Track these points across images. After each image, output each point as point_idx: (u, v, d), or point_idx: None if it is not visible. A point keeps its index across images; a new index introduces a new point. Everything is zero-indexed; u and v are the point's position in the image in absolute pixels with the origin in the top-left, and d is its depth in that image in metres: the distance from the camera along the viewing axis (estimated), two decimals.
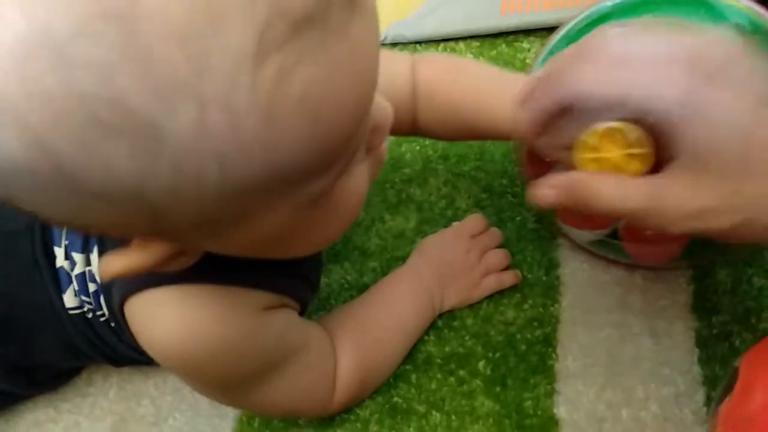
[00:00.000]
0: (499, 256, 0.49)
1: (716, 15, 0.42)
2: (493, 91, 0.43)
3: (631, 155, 0.31)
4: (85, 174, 0.22)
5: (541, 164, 0.36)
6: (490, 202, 0.54)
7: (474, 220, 0.50)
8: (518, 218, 0.52)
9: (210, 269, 0.34)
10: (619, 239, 0.45)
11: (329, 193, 0.28)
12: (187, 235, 0.27)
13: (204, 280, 0.35)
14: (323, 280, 0.50)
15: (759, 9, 0.42)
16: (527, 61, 0.61)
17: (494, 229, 0.50)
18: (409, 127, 0.46)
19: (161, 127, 0.21)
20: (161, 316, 0.35)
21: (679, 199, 0.29)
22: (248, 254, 0.31)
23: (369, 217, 0.55)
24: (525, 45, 0.62)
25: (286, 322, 0.40)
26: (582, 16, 0.47)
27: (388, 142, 0.34)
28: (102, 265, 0.29)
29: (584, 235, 0.47)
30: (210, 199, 0.24)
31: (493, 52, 0.62)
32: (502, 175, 0.55)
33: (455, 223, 0.52)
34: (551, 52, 0.50)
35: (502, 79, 0.45)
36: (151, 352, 0.37)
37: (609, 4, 0.46)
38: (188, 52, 0.21)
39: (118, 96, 0.21)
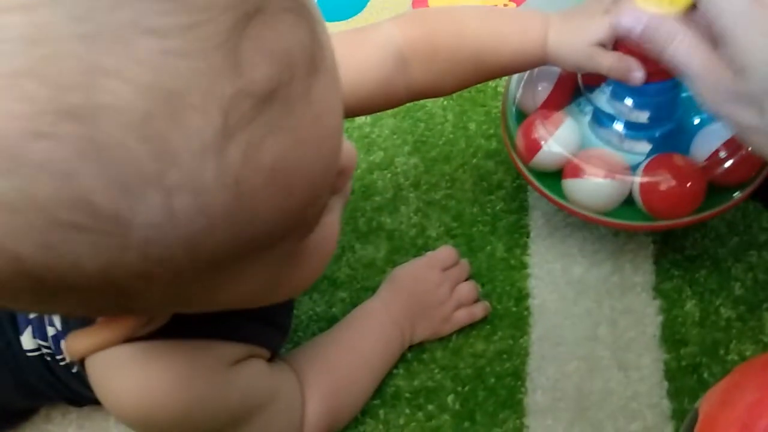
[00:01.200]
0: (469, 289, 0.48)
1: None
2: (494, 30, 0.43)
3: None
4: (48, 273, 0.21)
5: (532, 141, 0.43)
6: (460, 230, 0.54)
7: (445, 252, 0.50)
8: (488, 248, 0.52)
9: (176, 324, 0.32)
10: (639, 195, 0.44)
11: (306, 241, 0.28)
12: (159, 308, 0.27)
13: (169, 336, 0.33)
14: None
15: None
16: (499, 89, 0.62)
17: (464, 261, 0.50)
18: (401, 93, 0.45)
19: (127, 220, 0.21)
20: (122, 376, 0.34)
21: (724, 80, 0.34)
22: (225, 309, 0.30)
23: (339, 246, 0.54)
24: None
25: (255, 374, 0.39)
26: None
27: (351, 183, 0.34)
28: (68, 344, 0.28)
29: (601, 193, 0.45)
30: (181, 277, 0.23)
31: None
32: (473, 203, 0.55)
33: (428, 253, 0.51)
34: (519, 80, 0.51)
35: (499, 15, 0.46)
36: (109, 409, 0.36)
37: None
38: (150, 143, 0.20)
39: (79, 195, 0.20)
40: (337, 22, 0.73)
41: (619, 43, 0.41)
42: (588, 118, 0.47)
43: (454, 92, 0.50)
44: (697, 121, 0.46)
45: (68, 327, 0.37)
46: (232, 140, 0.21)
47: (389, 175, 0.59)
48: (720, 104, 0.35)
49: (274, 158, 0.22)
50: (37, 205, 0.20)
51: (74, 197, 0.20)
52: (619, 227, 0.47)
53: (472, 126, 0.60)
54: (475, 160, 0.58)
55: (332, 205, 0.30)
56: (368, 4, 0.75)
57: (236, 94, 0.21)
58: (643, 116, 0.45)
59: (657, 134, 0.45)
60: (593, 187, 0.44)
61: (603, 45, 0.41)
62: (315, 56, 0.24)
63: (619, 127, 0.45)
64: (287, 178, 0.23)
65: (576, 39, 0.41)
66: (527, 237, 0.52)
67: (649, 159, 0.44)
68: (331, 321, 0.49)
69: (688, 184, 0.43)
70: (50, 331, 0.39)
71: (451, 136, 0.60)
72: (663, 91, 0.44)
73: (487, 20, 0.44)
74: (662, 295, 0.47)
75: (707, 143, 0.44)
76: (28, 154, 0.20)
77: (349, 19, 0.73)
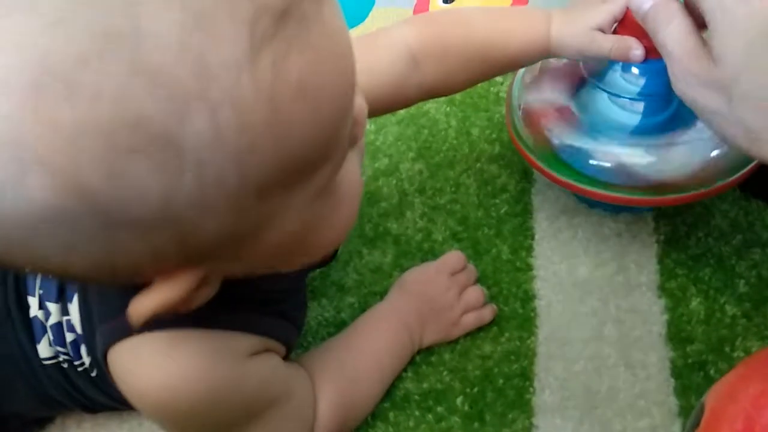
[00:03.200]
0: (477, 293, 0.49)
1: None
2: (500, 26, 0.46)
3: None
4: (117, 203, 0.22)
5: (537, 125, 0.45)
6: (466, 234, 0.54)
7: (453, 257, 0.50)
8: (494, 250, 0.53)
9: (196, 314, 0.33)
10: None
11: (333, 183, 0.30)
12: (214, 254, 0.27)
13: (190, 325, 0.35)
14: None
15: None
16: (501, 94, 0.62)
17: (470, 266, 0.51)
18: (414, 93, 0.47)
19: (179, 137, 0.22)
20: (146, 364, 0.35)
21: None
22: (270, 266, 0.32)
23: (346, 252, 0.55)
24: (498, 79, 0.63)
25: (270, 368, 0.39)
26: None
27: (364, 137, 0.35)
28: (132, 309, 0.28)
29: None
30: (234, 203, 0.25)
31: None
32: (478, 207, 0.56)
33: (440, 259, 0.51)
34: (520, 85, 0.52)
35: (504, 12, 0.49)
36: (132, 400, 0.36)
37: None
38: (189, 61, 0.22)
39: (133, 118, 0.22)
40: None
41: (617, 28, 0.44)
42: (593, 104, 0.47)
43: (464, 89, 0.51)
44: None
45: (92, 328, 0.37)
46: (260, 54, 0.23)
47: (394, 181, 0.59)
48: (691, 87, 0.37)
49: (300, 72, 0.24)
50: (96, 131, 0.21)
51: (128, 120, 0.22)
52: (621, 202, 0.46)
53: (475, 131, 0.61)
54: (478, 165, 0.59)
55: (351, 159, 0.32)
56: (371, 13, 0.76)
57: (257, 11, 0.23)
58: (651, 95, 0.46)
59: (663, 113, 0.46)
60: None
61: (602, 30, 0.43)
62: None
63: (625, 107, 0.46)
64: (314, 92, 0.25)
65: (577, 26, 0.44)
66: (532, 239, 0.53)
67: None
68: (340, 326, 0.50)
69: None
70: (69, 337, 0.39)
71: (455, 141, 0.61)
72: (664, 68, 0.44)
73: (493, 18, 0.47)
74: (667, 294, 0.47)
75: None
76: (82, 81, 0.21)
77: (352, 29, 0.75)
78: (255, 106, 0.23)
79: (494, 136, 0.60)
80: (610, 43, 0.43)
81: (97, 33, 0.21)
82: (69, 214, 0.22)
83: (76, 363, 0.40)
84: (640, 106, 0.46)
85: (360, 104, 0.32)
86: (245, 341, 0.37)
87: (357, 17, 0.76)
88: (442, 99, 0.63)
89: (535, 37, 0.44)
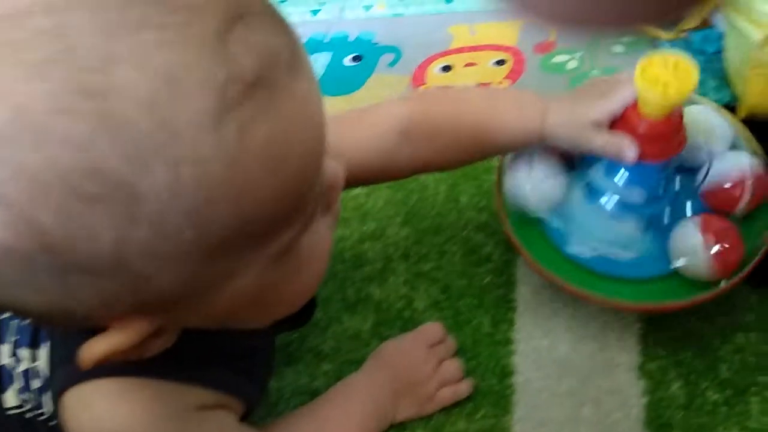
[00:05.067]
0: (454, 367, 0.48)
1: None
2: (493, 112, 0.46)
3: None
4: (69, 245, 0.24)
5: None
6: (448, 303, 0.54)
7: (432, 329, 0.50)
8: (474, 321, 0.52)
9: (151, 362, 0.33)
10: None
11: (296, 247, 0.30)
12: (168, 306, 0.28)
13: (143, 374, 0.35)
14: (273, 384, 0.50)
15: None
16: (491, 162, 0.63)
17: (450, 338, 0.50)
18: (405, 168, 0.48)
19: (138, 189, 0.23)
20: (94, 409, 0.36)
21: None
22: (227, 323, 0.32)
23: (327, 317, 0.55)
24: None
25: (219, 425, 0.39)
26: None
27: (340, 205, 0.36)
28: (84, 351, 0.29)
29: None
30: (188, 259, 0.25)
31: None
32: (461, 276, 0.56)
33: (419, 330, 0.51)
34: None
35: (497, 97, 0.49)
36: None
37: None
38: (157, 118, 0.23)
39: (94, 166, 0.23)
40: (337, 97, 0.76)
41: (614, 123, 0.43)
42: (579, 191, 0.47)
43: (456, 167, 0.53)
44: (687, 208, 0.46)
45: (53, 378, 0.37)
46: (226, 118, 0.24)
47: (380, 246, 0.59)
48: None
49: (265, 138, 0.25)
50: (58, 175, 0.23)
51: (90, 167, 0.23)
52: (607, 305, 0.47)
53: (464, 199, 0.61)
54: (465, 233, 0.59)
55: (322, 224, 0.32)
56: (368, 80, 0.78)
57: (227, 79, 0.25)
58: (635, 195, 0.45)
59: (646, 214, 0.46)
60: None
61: (598, 124, 0.43)
62: (294, 58, 0.27)
63: (609, 202, 0.46)
64: (277, 158, 0.26)
65: (572, 119, 0.43)
66: (514, 312, 0.52)
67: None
68: (314, 394, 0.49)
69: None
70: (34, 384, 0.39)
71: (443, 208, 0.61)
72: (654, 172, 0.44)
73: (487, 102, 0.47)
74: (647, 376, 0.46)
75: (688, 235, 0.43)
76: (52, 128, 0.23)
77: (350, 94, 0.76)
78: (216, 166, 0.24)
79: (482, 204, 0.60)
80: (603, 140, 0.42)
81: (73, 88, 0.23)
82: (22, 252, 0.24)
83: (38, 412, 0.40)
84: (623, 198, 0.46)
85: (335, 170, 0.33)
86: (197, 394, 0.37)
87: (354, 84, 0.77)
88: None
89: (528, 125, 0.44)
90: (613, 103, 0.42)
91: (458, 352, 0.50)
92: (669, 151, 0.43)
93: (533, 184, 0.46)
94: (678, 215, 0.45)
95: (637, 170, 0.43)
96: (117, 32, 0.24)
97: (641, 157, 0.42)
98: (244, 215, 0.26)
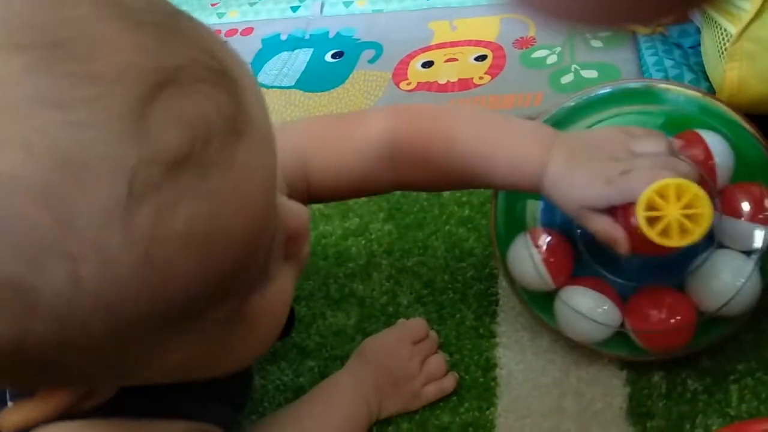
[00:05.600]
0: (439, 363, 0.48)
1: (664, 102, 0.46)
2: (487, 153, 0.41)
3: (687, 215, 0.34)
4: None
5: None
6: (431, 298, 0.54)
7: (417, 325, 0.50)
8: (458, 315, 0.52)
9: (122, 400, 0.32)
10: (631, 330, 0.43)
11: (244, 310, 0.28)
12: (94, 379, 0.27)
13: (114, 414, 0.32)
14: (257, 381, 0.49)
15: (707, 95, 0.46)
16: None
17: (433, 333, 0.50)
18: (383, 187, 0.46)
19: (31, 289, 0.21)
20: None
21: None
22: (171, 380, 0.30)
23: (310, 314, 0.55)
24: None
25: None
26: (548, 115, 0.48)
27: (308, 245, 0.34)
28: (3, 419, 0.27)
29: (593, 335, 0.45)
30: (103, 346, 0.23)
31: None
32: (444, 270, 0.56)
33: (399, 322, 0.51)
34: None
35: (494, 133, 0.43)
36: None
37: (571, 104, 0.48)
38: (51, 211, 0.21)
39: None
40: (318, 93, 0.76)
41: (619, 214, 0.38)
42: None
43: (442, 191, 0.52)
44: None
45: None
46: (139, 207, 0.21)
47: (363, 242, 0.59)
48: None
49: (188, 224, 0.22)
50: None
51: None
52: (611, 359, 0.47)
53: (446, 194, 0.61)
54: (447, 227, 0.59)
55: (280, 272, 0.30)
56: (350, 76, 0.78)
57: (142, 162, 0.21)
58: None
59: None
60: (583, 322, 0.44)
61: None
62: (237, 122, 0.24)
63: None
64: (204, 244, 0.23)
65: (570, 195, 0.39)
66: (496, 305, 0.52)
67: (640, 290, 0.44)
68: (298, 391, 0.49)
69: (679, 322, 0.42)
70: None
71: (426, 203, 0.61)
72: (646, 267, 0.43)
73: (485, 135, 0.42)
74: (629, 366, 0.47)
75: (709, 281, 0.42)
76: None
77: (331, 91, 0.76)
78: (125, 258, 0.22)
79: (464, 199, 0.60)
80: (597, 227, 0.39)
81: None
82: None
83: None
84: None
85: (298, 216, 0.30)
86: (169, 427, 0.35)
87: (335, 80, 0.77)
88: None
89: (523, 178, 0.40)
90: (614, 195, 0.37)
91: (442, 346, 0.50)
92: (669, 251, 0.38)
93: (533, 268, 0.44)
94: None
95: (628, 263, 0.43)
96: (13, 111, 0.21)
97: (639, 251, 0.38)
98: (164, 303, 0.23)
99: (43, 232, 0.21)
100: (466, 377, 0.48)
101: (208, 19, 0.95)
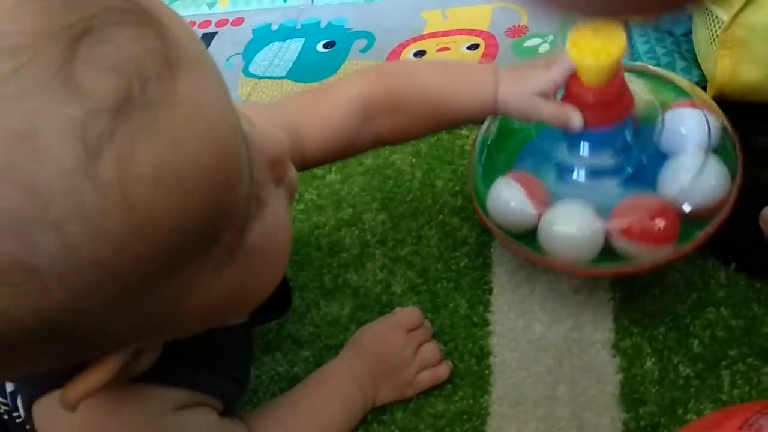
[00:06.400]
0: (433, 351, 0.48)
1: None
2: (449, 82, 0.47)
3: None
4: None
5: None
6: (425, 287, 0.54)
7: (410, 314, 0.50)
8: (451, 304, 0.52)
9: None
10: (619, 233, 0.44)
11: (246, 239, 0.29)
12: (130, 338, 0.27)
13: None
14: (252, 372, 0.49)
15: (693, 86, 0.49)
16: (465, 147, 0.63)
17: (426, 322, 0.50)
18: (367, 141, 0.48)
19: (32, 264, 0.22)
20: (64, 418, 0.33)
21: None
22: (207, 325, 0.31)
23: (304, 304, 0.55)
24: (464, 132, 0.64)
25: (201, 423, 0.39)
26: None
27: (294, 171, 0.35)
28: (66, 394, 0.28)
29: (584, 249, 0.45)
30: (122, 302, 0.24)
31: (434, 139, 0.64)
32: (438, 259, 0.56)
33: (393, 311, 0.51)
34: (484, 140, 0.52)
35: (454, 69, 0.49)
36: None
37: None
38: (22, 185, 0.21)
39: None
40: (311, 83, 0.76)
41: (563, 97, 0.45)
42: (552, 173, 0.48)
43: (418, 138, 0.54)
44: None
45: (22, 385, 0.37)
46: (99, 159, 0.22)
47: (357, 232, 0.59)
48: None
49: (154, 164, 0.23)
50: None
51: None
52: (588, 275, 0.48)
53: (439, 183, 0.61)
54: (441, 217, 0.59)
55: (273, 197, 0.31)
56: (342, 66, 0.77)
57: (86, 116, 0.22)
58: (602, 159, 0.46)
59: (620, 177, 0.46)
60: (569, 240, 0.45)
61: (545, 95, 0.45)
62: (170, 58, 0.24)
63: (581, 176, 0.47)
64: (177, 180, 0.23)
65: (520, 89, 0.45)
66: (490, 294, 0.53)
67: (619, 202, 0.45)
68: (293, 381, 0.49)
69: (662, 222, 0.44)
70: (9, 387, 0.39)
71: (419, 192, 0.61)
72: (609, 136, 0.46)
73: (443, 74, 0.48)
74: (621, 353, 0.47)
75: (673, 178, 0.45)
76: None
77: (323, 81, 0.75)
78: (105, 211, 0.22)
79: (457, 188, 0.60)
80: (548, 110, 0.44)
81: None
82: None
83: (14, 415, 0.39)
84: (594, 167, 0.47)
85: (277, 141, 0.31)
86: (174, 394, 0.36)
87: (327, 70, 0.77)
88: (408, 150, 0.64)
89: (481, 95, 0.46)
90: (554, 72, 0.44)
91: (436, 335, 0.50)
92: (618, 114, 0.45)
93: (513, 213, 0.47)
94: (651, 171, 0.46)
95: (595, 138, 0.45)
96: None
97: (593, 123, 0.44)
98: (162, 245, 0.24)
99: (21, 208, 0.21)
100: (460, 365, 0.49)
101: (199, 9, 0.94)
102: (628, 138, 0.46)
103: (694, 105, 0.48)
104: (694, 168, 0.44)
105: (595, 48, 0.42)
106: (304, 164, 0.46)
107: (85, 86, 0.22)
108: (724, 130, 0.48)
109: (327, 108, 0.47)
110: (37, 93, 0.22)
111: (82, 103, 0.22)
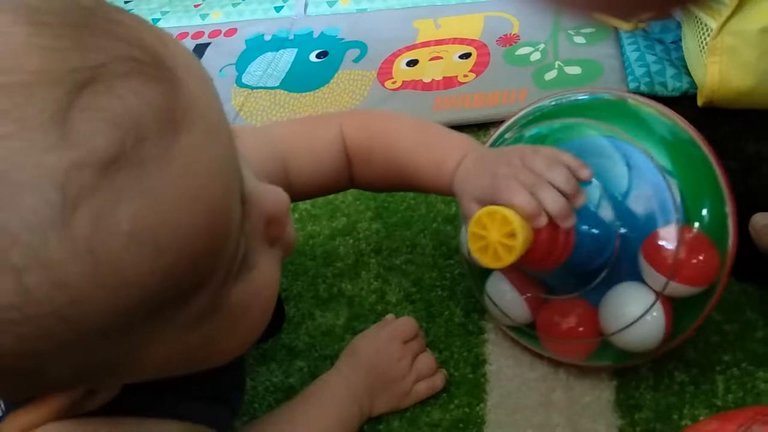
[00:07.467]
0: (429, 361, 0.48)
1: (643, 126, 0.44)
2: (431, 155, 0.45)
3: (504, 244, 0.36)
4: None
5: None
6: (419, 296, 0.54)
7: (406, 324, 0.50)
8: (446, 312, 0.52)
9: (116, 399, 0.31)
10: (537, 330, 0.46)
11: (227, 300, 0.28)
12: (84, 382, 0.27)
13: (101, 414, 0.32)
14: (248, 382, 0.49)
15: (677, 117, 0.44)
16: None
17: (420, 332, 0.50)
18: (346, 183, 0.49)
19: None
20: None
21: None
22: (167, 374, 0.30)
23: (299, 314, 0.54)
24: None
25: None
26: (523, 113, 0.49)
27: (293, 227, 0.34)
28: (7, 424, 0.28)
29: (504, 320, 0.48)
30: (73, 349, 0.23)
31: None
32: (432, 268, 0.56)
33: (387, 319, 0.51)
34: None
35: (436, 139, 0.47)
36: None
37: (552, 102, 0.48)
38: None
39: None
40: (303, 93, 0.76)
41: None
42: None
43: (387, 191, 0.57)
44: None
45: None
46: (76, 212, 0.21)
47: (351, 241, 0.59)
48: None
49: (131, 222, 0.22)
50: None
51: None
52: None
53: None
54: (435, 225, 0.59)
55: (263, 259, 0.30)
56: (336, 75, 0.78)
57: (71, 166, 0.21)
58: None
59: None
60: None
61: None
62: (174, 113, 0.23)
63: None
64: (152, 240, 0.23)
65: (465, 185, 0.42)
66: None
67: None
68: (288, 392, 0.49)
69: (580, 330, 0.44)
70: None
71: (413, 201, 0.62)
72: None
73: (414, 142, 0.46)
74: None
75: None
76: None
77: (316, 91, 0.76)
78: (69, 264, 0.21)
79: (450, 197, 0.60)
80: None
81: None
82: None
83: None
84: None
85: (276, 199, 0.30)
86: (161, 428, 0.35)
87: (320, 80, 0.77)
88: None
89: (441, 178, 0.44)
90: (488, 190, 0.39)
91: (432, 344, 0.50)
92: (551, 262, 0.39)
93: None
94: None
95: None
96: None
97: (532, 268, 0.41)
98: (126, 301, 0.23)
99: None
100: (456, 374, 0.49)
101: (192, 20, 0.94)
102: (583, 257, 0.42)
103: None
104: (634, 310, 0.41)
105: (493, 244, 0.36)
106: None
107: (77, 136, 0.21)
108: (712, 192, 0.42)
109: (317, 145, 0.47)
110: (26, 135, 0.21)
111: (70, 153, 0.21)
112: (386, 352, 0.48)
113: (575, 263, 0.41)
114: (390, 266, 0.57)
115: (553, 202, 0.37)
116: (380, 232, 0.60)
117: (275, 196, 0.31)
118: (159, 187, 0.23)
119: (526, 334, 0.47)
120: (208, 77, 0.27)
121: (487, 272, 0.48)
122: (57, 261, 0.21)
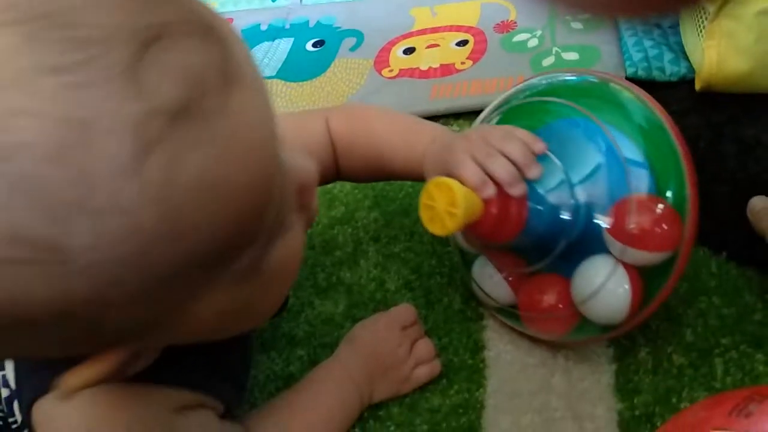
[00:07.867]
0: (427, 347, 0.48)
1: (624, 112, 0.44)
2: (405, 141, 0.48)
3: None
4: (6, 306, 0.23)
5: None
6: (419, 283, 0.54)
7: (405, 311, 0.50)
8: (445, 299, 0.53)
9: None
10: (518, 309, 0.46)
11: (266, 260, 0.29)
12: (134, 337, 0.28)
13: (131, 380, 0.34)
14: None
15: (650, 102, 0.44)
16: None
17: (419, 320, 0.50)
18: (333, 175, 0.51)
19: (64, 247, 0.22)
20: (67, 417, 0.35)
21: None
22: (205, 336, 0.31)
23: (299, 303, 0.55)
24: (455, 127, 0.64)
25: (199, 425, 0.39)
26: (512, 91, 0.50)
27: (317, 200, 0.36)
28: (63, 383, 0.29)
29: (490, 302, 0.48)
30: (138, 300, 0.24)
31: None
32: (431, 255, 0.56)
33: (391, 312, 0.51)
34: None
35: (410, 126, 0.49)
36: None
37: (543, 82, 0.49)
38: (68, 171, 0.22)
39: (14, 230, 0.22)
40: (300, 82, 0.76)
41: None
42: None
43: (369, 182, 0.59)
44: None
45: (22, 388, 0.37)
46: (149, 158, 0.23)
47: (350, 230, 0.59)
48: None
49: (198, 171, 0.24)
50: None
51: (9, 232, 0.22)
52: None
53: None
54: None
55: (293, 223, 0.31)
56: (333, 63, 0.77)
57: (145, 115, 0.23)
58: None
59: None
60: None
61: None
62: (228, 73, 0.25)
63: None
64: (217, 190, 0.24)
65: (427, 160, 0.46)
66: None
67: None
68: (289, 380, 0.49)
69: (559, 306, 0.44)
70: (4, 393, 0.39)
71: (411, 189, 0.61)
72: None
73: (390, 130, 0.49)
74: (615, 343, 0.47)
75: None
76: None
77: (313, 80, 0.76)
78: (143, 210, 0.23)
79: None
80: None
81: None
82: None
83: (10, 420, 0.39)
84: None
85: (307, 169, 0.32)
86: (174, 395, 0.37)
87: (317, 69, 0.77)
88: None
89: (412, 160, 0.47)
90: (447, 162, 0.41)
91: (431, 331, 0.50)
92: (507, 234, 0.40)
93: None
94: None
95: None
96: (14, 82, 0.22)
97: (488, 240, 0.42)
98: (188, 251, 0.24)
99: (64, 192, 0.22)
100: (455, 360, 0.49)
101: None
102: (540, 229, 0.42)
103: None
104: (597, 280, 0.41)
105: (441, 214, 0.38)
106: None
107: (148, 87, 0.23)
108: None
109: (306, 138, 0.48)
110: (101, 85, 0.22)
111: (143, 102, 0.23)
112: (385, 339, 0.48)
113: (538, 236, 0.41)
114: (389, 254, 0.57)
115: (501, 168, 0.39)
116: (379, 220, 0.60)
117: (305, 165, 0.32)
118: (221, 137, 0.24)
119: (513, 315, 0.48)
120: (247, 47, 0.28)
121: (474, 257, 0.48)
122: (132, 207, 0.23)
